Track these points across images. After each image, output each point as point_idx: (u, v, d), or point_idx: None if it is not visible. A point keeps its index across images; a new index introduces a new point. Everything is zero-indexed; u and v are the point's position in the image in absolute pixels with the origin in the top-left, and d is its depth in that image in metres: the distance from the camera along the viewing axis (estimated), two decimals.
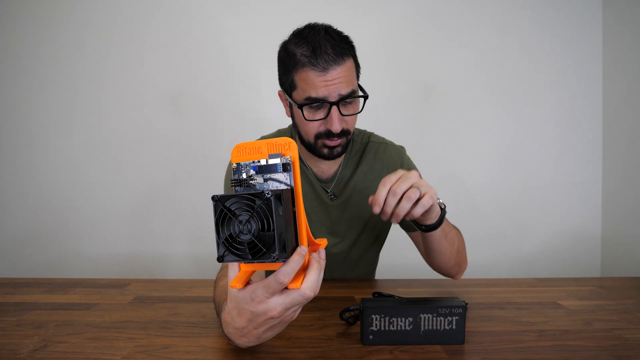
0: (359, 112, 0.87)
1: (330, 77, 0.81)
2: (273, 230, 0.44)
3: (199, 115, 1.75)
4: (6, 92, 1.75)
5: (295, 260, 0.46)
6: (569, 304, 0.84)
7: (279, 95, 0.94)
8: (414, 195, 0.69)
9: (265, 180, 0.49)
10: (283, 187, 0.48)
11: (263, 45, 1.72)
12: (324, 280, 0.68)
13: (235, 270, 0.51)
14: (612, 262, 1.72)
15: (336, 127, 0.83)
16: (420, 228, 0.81)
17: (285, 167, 0.48)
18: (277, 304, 0.49)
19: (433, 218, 0.77)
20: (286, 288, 0.49)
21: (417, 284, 0.97)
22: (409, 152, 1.07)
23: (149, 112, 1.74)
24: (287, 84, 0.87)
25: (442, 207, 0.79)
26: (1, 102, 1.75)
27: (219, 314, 0.64)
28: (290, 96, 0.86)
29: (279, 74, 0.91)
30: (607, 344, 0.64)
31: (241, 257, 0.46)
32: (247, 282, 0.51)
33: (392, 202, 0.70)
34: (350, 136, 0.89)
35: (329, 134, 0.84)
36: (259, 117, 1.74)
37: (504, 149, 1.77)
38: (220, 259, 0.46)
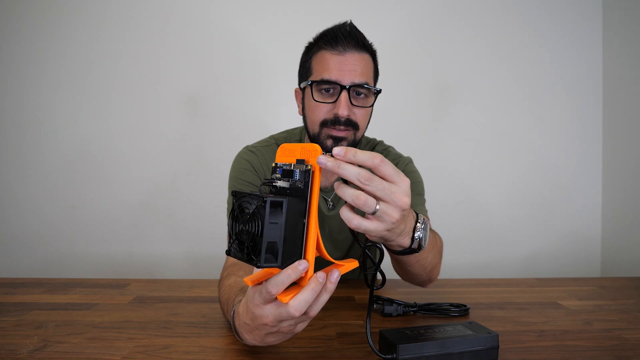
0: (370, 106, 0.85)
1: (346, 61, 0.80)
2: (261, 236, 0.43)
3: (200, 116, 1.75)
4: (9, 91, 1.75)
5: (286, 274, 0.45)
6: (569, 304, 0.84)
7: (295, 93, 0.93)
8: (369, 204, 0.47)
9: (291, 185, 0.47)
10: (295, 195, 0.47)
11: (272, 48, 1.71)
12: None
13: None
14: (612, 262, 1.72)
15: (343, 111, 0.80)
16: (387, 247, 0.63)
17: (304, 175, 0.46)
18: (268, 312, 0.48)
19: (396, 246, 0.58)
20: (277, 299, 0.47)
21: None
22: (412, 153, 1.05)
23: (150, 113, 1.74)
24: (303, 72, 0.88)
25: (419, 238, 0.57)
26: (3, 100, 1.75)
27: (227, 310, 0.64)
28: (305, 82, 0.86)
29: (299, 70, 0.91)
30: (607, 344, 0.64)
31: (238, 257, 0.46)
32: (259, 283, 0.50)
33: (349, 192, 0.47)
34: (357, 133, 0.85)
35: (335, 121, 0.81)
36: (261, 119, 1.74)
37: (504, 149, 1.77)
38: (228, 252, 0.47)
